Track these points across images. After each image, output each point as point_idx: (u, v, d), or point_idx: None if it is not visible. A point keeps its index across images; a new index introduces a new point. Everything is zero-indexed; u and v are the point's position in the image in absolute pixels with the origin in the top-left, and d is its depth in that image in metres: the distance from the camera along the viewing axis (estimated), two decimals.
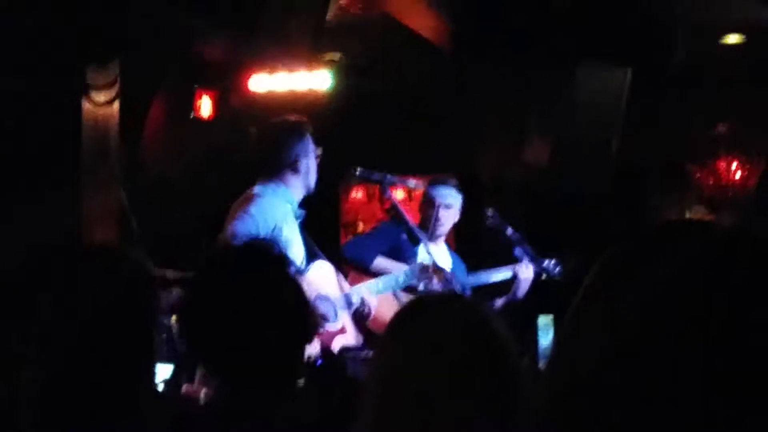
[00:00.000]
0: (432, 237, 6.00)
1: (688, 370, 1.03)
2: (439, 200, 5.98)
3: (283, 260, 2.44)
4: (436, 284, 5.57)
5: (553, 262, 6.24)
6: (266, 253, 2.43)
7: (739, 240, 1.10)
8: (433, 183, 6.11)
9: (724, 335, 1.03)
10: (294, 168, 5.06)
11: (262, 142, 5.24)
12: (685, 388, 1.02)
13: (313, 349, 4.63)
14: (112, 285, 2.29)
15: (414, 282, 5.61)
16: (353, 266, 5.93)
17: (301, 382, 3.55)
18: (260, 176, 5.07)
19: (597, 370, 1.07)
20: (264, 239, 2.57)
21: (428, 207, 6.03)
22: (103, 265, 2.33)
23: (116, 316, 2.25)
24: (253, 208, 4.85)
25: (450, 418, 1.96)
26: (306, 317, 2.42)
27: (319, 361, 4.33)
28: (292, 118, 5.24)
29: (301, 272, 4.91)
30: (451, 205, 6.03)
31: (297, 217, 5.06)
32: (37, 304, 2.24)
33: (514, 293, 6.13)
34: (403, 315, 2.18)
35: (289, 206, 5.01)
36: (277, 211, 4.90)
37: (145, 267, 2.38)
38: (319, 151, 5.16)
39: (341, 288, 5.33)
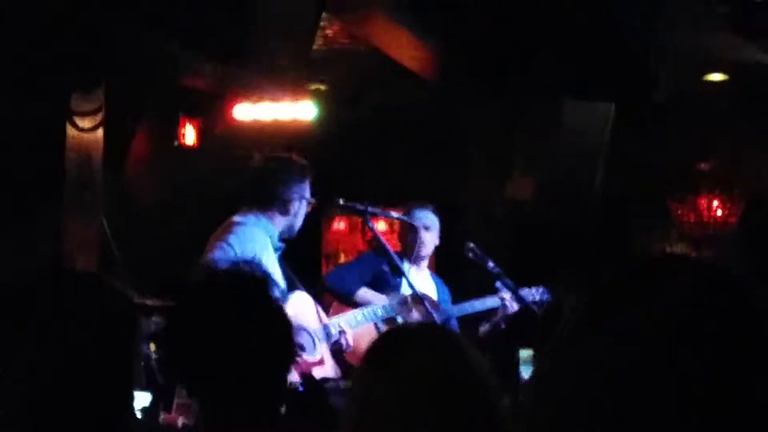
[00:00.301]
0: (416, 260, 6.03)
1: (682, 404, 1.02)
2: (419, 222, 6.01)
3: (268, 283, 2.42)
4: (416, 316, 5.56)
5: (535, 291, 6.23)
6: (251, 276, 2.41)
7: (724, 278, 1.10)
8: (411, 208, 6.14)
9: (718, 373, 1.02)
10: (284, 207, 4.97)
11: (260, 172, 5.16)
12: (680, 421, 1.02)
13: (293, 376, 4.60)
14: (93, 311, 2.27)
15: (394, 315, 5.60)
16: (336, 297, 5.92)
17: (283, 409, 3.53)
18: (245, 205, 5.01)
19: (584, 405, 1.06)
20: (250, 263, 2.55)
21: (410, 231, 6.04)
22: (84, 291, 2.31)
23: (96, 342, 2.23)
24: (232, 238, 4.78)
25: None
26: (290, 341, 2.40)
27: (301, 388, 4.31)
28: (299, 159, 5.18)
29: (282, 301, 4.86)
30: (430, 227, 6.08)
31: (276, 250, 4.99)
32: (18, 329, 2.22)
33: (498, 323, 6.14)
34: (378, 346, 2.16)
35: (268, 238, 4.95)
36: (256, 242, 4.82)
37: (125, 294, 2.36)
38: (313, 201, 5.11)
39: (320, 319, 5.31)
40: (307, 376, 4.86)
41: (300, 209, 5.04)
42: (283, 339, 2.37)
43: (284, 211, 4.99)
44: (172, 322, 2.38)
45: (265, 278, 2.43)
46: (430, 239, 6.09)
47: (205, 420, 2.28)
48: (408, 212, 6.12)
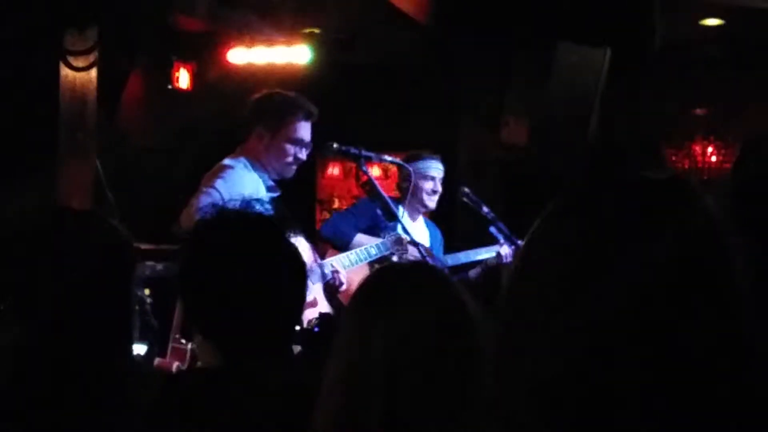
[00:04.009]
0: (411, 207, 6.01)
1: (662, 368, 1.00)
2: (421, 171, 5.99)
3: (281, 222, 2.39)
4: (411, 255, 5.56)
5: None
6: (265, 216, 2.39)
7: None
8: (418, 156, 6.11)
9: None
10: (278, 149, 4.93)
11: (260, 108, 5.04)
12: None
13: (311, 314, 4.59)
14: (92, 246, 2.26)
15: (387, 254, 5.60)
16: (332, 245, 5.90)
17: (298, 348, 3.52)
18: (239, 144, 4.98)
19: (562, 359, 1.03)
20: (260, 201, 2.51)
21: (405, 176, 6.01)
22: (82, 228, 2.30)
23: (96, 278, 2.22)
24: (219, 182, 4.73)
25: (419, 394, 1.95)
26: (305, 280, 2.38)
27: (317, 328, 4.29)
28: (305, 100, 5.09)
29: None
30: (434, 176, 6.06)
31: (268, 190, 4.93)
32: (16, 267, 2.21)
33: (490, 269, 6.16)
34: (370, 284, 2.16)
35: (260, 181, 4.90)
36: (245, 186, 4.74)
37: (123, 231, 2.34)
38: (309, 149, 5.04)
39: (314, 260, 5.31)
40: (323, 317, 4.87)
41: (297, 154, 4.99)
42: (299, 278, 2.35)
43: (279, 153, 4.94)
44: (185, 264, 2.34)
45: (278, 216, 2.41)
46: (430, 188, 6.09)
47: (222, 362, 2.25)
48: (412, 159, 6.09)
